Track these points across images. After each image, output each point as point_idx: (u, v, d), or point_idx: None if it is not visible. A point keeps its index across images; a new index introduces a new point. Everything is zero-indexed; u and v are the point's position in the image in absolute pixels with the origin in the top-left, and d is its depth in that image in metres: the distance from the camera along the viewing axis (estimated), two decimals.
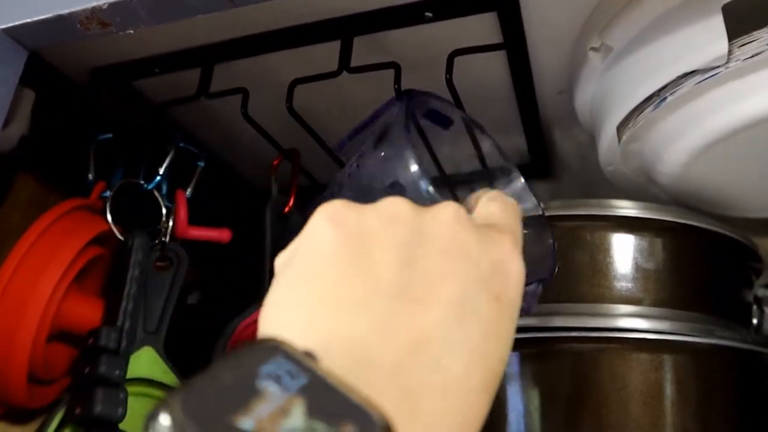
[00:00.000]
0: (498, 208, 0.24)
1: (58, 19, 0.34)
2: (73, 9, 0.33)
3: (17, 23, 0.34)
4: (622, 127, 0.40)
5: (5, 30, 0.34)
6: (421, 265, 0.18)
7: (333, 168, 0.58)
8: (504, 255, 0.21)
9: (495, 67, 0.47)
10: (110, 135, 0.49)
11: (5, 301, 0.39)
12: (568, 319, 0.40)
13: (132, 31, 0.35)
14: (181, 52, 0.49)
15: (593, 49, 0.41)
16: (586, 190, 0.63)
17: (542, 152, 0.57)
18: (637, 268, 0.40)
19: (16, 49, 0.35)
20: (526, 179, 0.62)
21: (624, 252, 0.40)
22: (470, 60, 0.43)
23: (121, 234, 0.44)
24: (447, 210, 0.21)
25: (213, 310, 0.55)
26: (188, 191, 0.49)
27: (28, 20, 0.34)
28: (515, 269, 0.21)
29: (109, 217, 0.44)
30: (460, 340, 0.17)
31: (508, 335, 0.20)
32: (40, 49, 0.48)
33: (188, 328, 0.48)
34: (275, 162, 0.51)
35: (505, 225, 0.23)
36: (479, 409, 0.18)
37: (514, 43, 0.42)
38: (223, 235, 0.48)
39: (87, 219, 0.44)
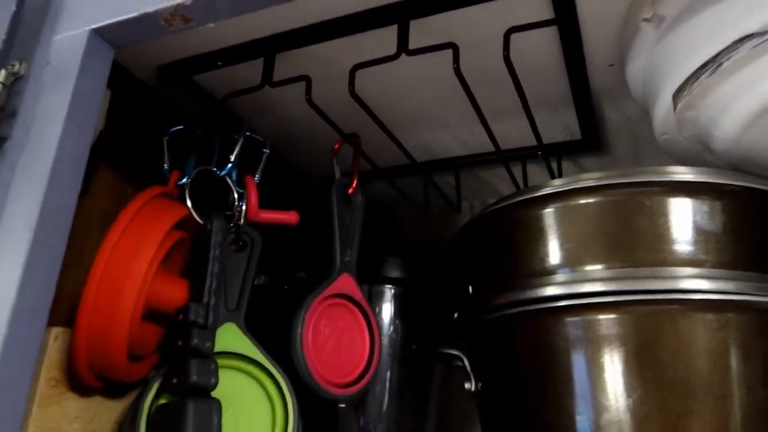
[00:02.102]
0: None
1: (144, 18, 0.37)
2: (158, 7, 0.36)
3: (106, 23, 0.37)
4: (677, 94, 0.41)
5: (95, 30, 0.37)
6: None
7: (392, 151, 0.60)
8: None
9: (546, 44, 0.48)
10: (181, 127, 0.52)
11: (104, 284, 0.42)
12: (632, 283, 0.41)
13: (212, 25, 0.37)
14: (242, 44, 0.51)
15: (645, 20, 0.42)
16: (636, 162, 0.63)
17: (593, 126, 0.58)
18: (698, 231, 0.41)
19: (105, 47, 0.38)
20: (576, 154, 0.64)
21: (684, 216, 0.41)
22: (522, 38, 0.44)
23: (200, 218, 0.47)
24: None
25: (282, 289, 0.58)
26: (256, 177, 0.52)
27: (116, 19, 0.37)
28: None
29: (188, 203, 0.47)
30: None
31: None
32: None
33: (260, 306, 0.51)
34: (336, 146, 0.54)
35: None
36: None
37: (565, 18, 0.44)
38: (291, 217, 0.51)
39: (168, 205, 0.48)
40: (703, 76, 0.38)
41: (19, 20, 0.38)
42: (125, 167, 0.55)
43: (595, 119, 0.57)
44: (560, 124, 0.60)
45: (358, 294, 0.50)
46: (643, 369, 0.40)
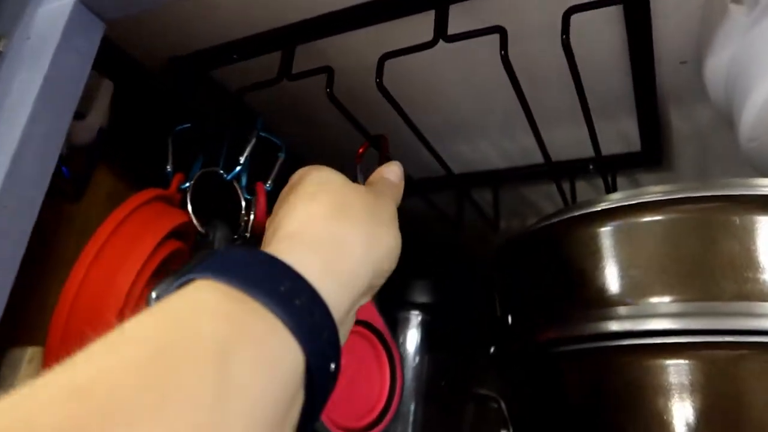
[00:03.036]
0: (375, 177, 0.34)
1: None
2: None
3: None
4: None
5: (82, 1, 0.32)
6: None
7: (423, 160, 0.54)
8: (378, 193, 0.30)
9: (607, 33, 0.42)
10: (188, 125, 0.47)
11: (81, 301, 0.37)
12: (711, 321, 0.34)
13: None
14: (260, 35, 0.46)
15: (735, 2, 0.35)
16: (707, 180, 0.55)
17: (656, 136, 0.50)
18: None
19: (93, 21, 0.33)
20: (634, 169, 0.56)
21: None
22: (578, 25, 0.37)
23: (201, 226, 0.41)
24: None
25: None
26: (268, 184, 0.46)
27: None
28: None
29: (189, 209, 0.41)
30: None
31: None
32: (119, 38, 0.47)
33: None
34: (361, 149, 0.47)
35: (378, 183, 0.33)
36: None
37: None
38: None
39: (165, 211, 0.42)
40: None
41: None
42: (128, 169, 0.49)
43: (658, 128, 0.50)
44: (616, 133, 0.53)
45: (378, 321, 0.42)
46: (727, 428, 0.32)
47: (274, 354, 0.19)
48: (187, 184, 0.43)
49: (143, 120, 0.50)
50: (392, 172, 0.34)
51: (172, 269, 0.42)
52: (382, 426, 0.36)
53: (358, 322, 0.40)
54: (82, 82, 0.32)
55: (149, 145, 0.48)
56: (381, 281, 0.28)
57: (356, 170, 0.40)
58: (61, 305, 0.36)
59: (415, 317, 0.55)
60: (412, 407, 0.53)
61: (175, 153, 0.46)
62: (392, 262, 0.28)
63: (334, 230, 0.26)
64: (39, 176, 0.29)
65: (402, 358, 0.54)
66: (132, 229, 0.39)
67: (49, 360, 0.36)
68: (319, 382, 0.21)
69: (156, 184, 0.46)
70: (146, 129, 0.50)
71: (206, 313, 0.19)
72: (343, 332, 0.26)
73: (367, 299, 0.28)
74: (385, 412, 0.38)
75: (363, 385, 0.38)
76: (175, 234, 0.42)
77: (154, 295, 0.20)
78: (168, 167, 0.45)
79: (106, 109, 0.47)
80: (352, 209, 0.27)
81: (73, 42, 0.31)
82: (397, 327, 0.54)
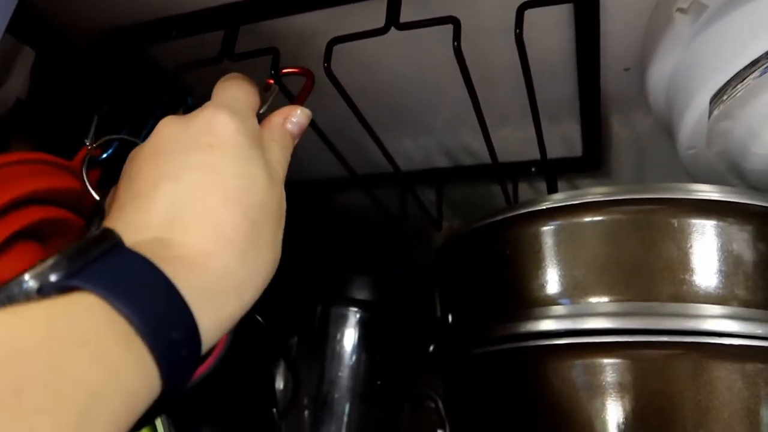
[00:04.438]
0: (217, 86, 0.30)
1: None
2: None
3: None
4: (715, 99, 0.34)
5: None
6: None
7: (367, 156, 0.52)
8: (207, 115, 0.26)
9: (556, 35, 0.42)
10: (115, 101, 0.44)
11: None
12: (647, 320, 0.34)
13: None
14: (201, 12, 0.44)
15: (680, 10, 0.36)
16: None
17: (596, 142, 0.51)
18: (731, 261, 0.34)
19: None
20: (574, 173, 0.57)
21: (714, 242, 0.35)
22: (532, 29, 0.37)
23: (98, 194, 0.37)
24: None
25: None
26: None
27: None
28: (219, 120, 0.25)
29: (84, 173, 0.37)
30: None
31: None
32: (47, 7, 0.43)
33: None
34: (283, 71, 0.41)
35: (215, 97, 0.29)
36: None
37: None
38: None
39: (40, 172, 0.36)
40: (751, 77, 0.32)
41: None
42: (46, 144, 0.46)
43: (599, 133, 0.50)
44: (558, 137, 0.54)
45: None
46: (660, 430, 0.33)
47: (139, 399, 0.18)
48: (87, 145, 0.40)
49: (68, 93, 0.46)
50: (295, 124, 0.29)
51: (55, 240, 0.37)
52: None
53: None
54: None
55: (73, 120, 0.45)
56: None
57: (266, 93, 0.34)
58: None
59: (354, 314, 0.53)
60: (347, 407, 0.52)
61: (99, 128, 0.43)
62: (266, 282, 0.24)
63: (237, 266, 0.22)
64: None
65: (337, 357, 0.52)
66: None
67: None
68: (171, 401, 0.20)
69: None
70: (70, 103, 0.46)
71: (83, 350, 0.16)
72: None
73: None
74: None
75: None
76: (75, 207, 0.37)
77: (30, 282, 0.17)
78: (86, 141, 0.42)
79: (25, 79, 0.43)
80: (261, 234, 0.23)
81: None
82: (333, 324, 0.53)
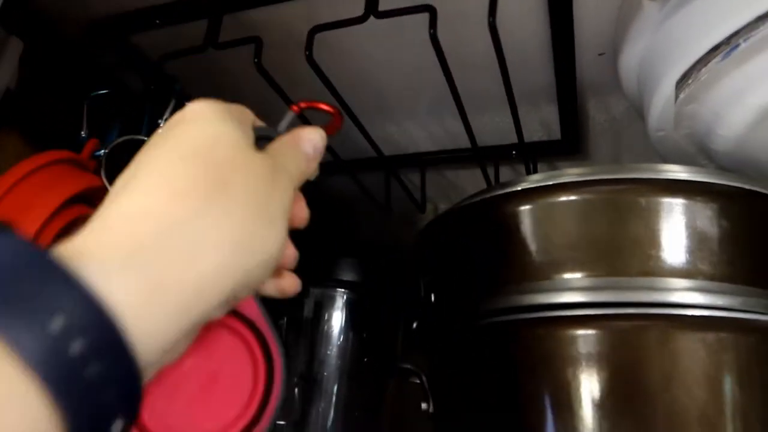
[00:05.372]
0: None
1: None
2: None
3: None
4: (681, 83, 0.36)
5: None
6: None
7: (352, 141, 0.54)
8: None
9: (533, 23, 0.43)
10: (106, 91, 0.45)
11: None
12: (617, 294, 0.36)
13: None
14: (185, 1, 0.45)
15: None
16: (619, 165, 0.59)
17: (574, 125, 0.53)
18: (695, 237, 0.36)
19: None
20: (553, 156, 0.59)
21: (680, 220, 0.36)
22: (506, 15, 0.38)
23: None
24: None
25: None
26: None
27: None
28: (192, 105, 0.23)
29: (103, 174, 0.39)
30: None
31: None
32: None
33: None
34: (303, 105, 0.43)
35: None
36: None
37: None
38: None
39: (71, 173, 0.39)
40: (714, 61, 0.34)
41: None
42: (36, 134, 0.46)
43: (577, 117, 0.52)
44: (538, 122, 0.55)
45: (260, 319, 0.28)
46: (629, 396, 0.35)
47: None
48: (102, 151, 0.41)
49: (57, 83, 0.47)
50: (311, 142, 0.26)
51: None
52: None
53: (234, 314, 0.29)
54: None
55: (63, 110, 0.46)
56: (247, 293, 0.22)
57: (284, 116, 0.30)
58: None
59: (341, 295, 0.55)
60: (336, 384, 0.54)
61: (90, 118, 0.44)
62: (268, 272, 0.22)
63: (190, 220, 0.19)
64: None
65: (326, 336, 0.54)
66: (31, 190, 0.37)
67: None
68: None
69: (69, 149, 0.44)
70: (60, 93, 0.47)
71: None
72: (168, 358, 0.20)
73: (219, 314, 0.21)
74: (256, 420, 0.26)
75: (229, 389, 0.27)
76: (87, 200, 0.40)
77: None
78: (82, 132, 0.43)
79: (14, 70, 0.44)
80: (230, 191, 0.20)
81: None
82: (322, 305, 0.54)
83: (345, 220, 0.69)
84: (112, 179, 0.41)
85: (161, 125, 0.42)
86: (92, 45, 0.48)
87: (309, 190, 0.58)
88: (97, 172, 0.41)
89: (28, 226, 0.35)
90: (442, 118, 0.57)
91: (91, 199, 0.39)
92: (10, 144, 0.44)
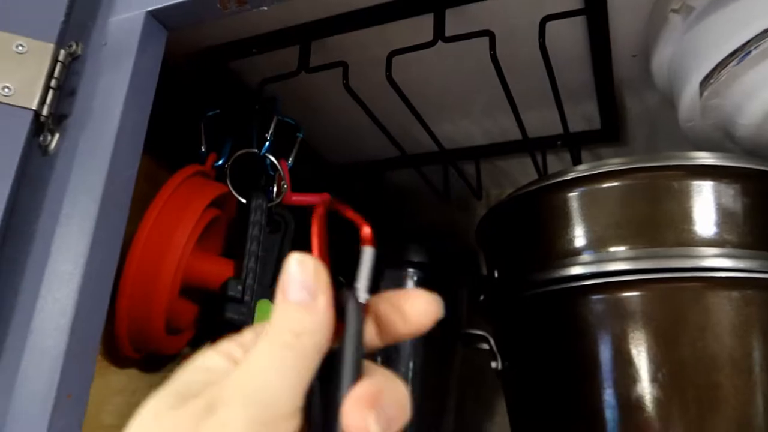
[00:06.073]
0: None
1: (200, 1, 0.38)
2: None
3: (162, 5, 0.38)
4: (704, 82, 0.43)
5: (151, 12, 0.39)
6: None
7: (414, 139, 0.62)
8: None
9: (573, 34, 0.50)
10: (218, 111, 0.54)
11: (144, 257, 0.44)
12: (657, 261, 0.43)
13: (266, 8, 0.39)
14: (278, 31, 0.53)
15: (674, 10, 0.44)
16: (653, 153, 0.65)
17: (613, 117, 0.60)
18: (721, 213, 0.43)
19: (159, 29, 0.40)
20: (595, 144, 0.66)
21: (708, 199, 0.43)
22: (551, 28, 0.46)
23: (241, 197, 0.49)
24: None
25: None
26: (290, 160, 0.53)
27: (172, 2, 0.38)
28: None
29: (228, 182, 0.49)
30: None
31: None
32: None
33: None
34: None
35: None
36: None
37: (595, 8, 0.45)
38: (323, 199, 0.52)
39: (205, 183, 0.49)
40: (731, 65, 0.40)
41: (74, 2, 0.39)
42: (158, 151, 0.56)
43: (615, 109, 0.59)
44: (580, 115, 0.62)
45: None
46: (669, 345, 0.42)
47: None
48: (221, 161, 0.51)
49: (170, 108, 0.56)
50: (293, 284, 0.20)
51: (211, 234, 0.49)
52: None
53: None
54: (155, 80, 0.39)
55: (178, 130, 0.55)
56: None
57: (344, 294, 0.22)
58: (129, 262, 0.43)
59: (412, 275, 0.63)
60: (412, 353, 0.62)
61: (206, 135, 0.53)
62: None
63: None
64: (134, 159, 0.36)
65: None
66: (181, 198, 0.46)
67: (120, 308, 0.43)
68: None
69: (187, 163, 0.53)
70: (174, 115, 0.56)
71: None
72: None
73: None
74: None
75: None
76: (214, 202, 0.49)
77: None
78: (202, 148, 0.52)
79: None
80: None
81: (146, 47, 0.38)
82: (397, 283, 0.63)
83: (409, 209, 0.77)
84: (234, 185, 0.50)
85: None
86: (195, 72, 0.57)
87: (377, 186, 0.67)
88: (220, 180, 0.50)
89: (185, 226, 0.44)
90: (493, 116, 0.64)
91: (220, 203, 0.49)
92: (143, 163, 0.54)
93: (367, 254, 0.22)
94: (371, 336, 0.22)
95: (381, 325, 0.22)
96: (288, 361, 0.19)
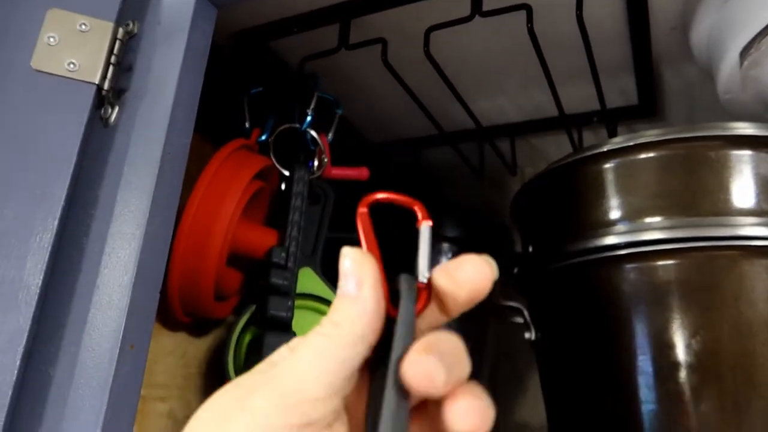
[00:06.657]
0: None
1: None
2: None
3: None
4: (744, 52, 0.43)
5: None
6: None
7: (450, 116, 0.63)
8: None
9: (611, 9, 0.50)
10: (261, 89, 0.56)
11: (195, 226, 0.46)
12: (693, 231, 0.44)
13: None
14: (318, 10, 0.54)
15: None
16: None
17: (650, 91, 0.60)
18: (758, 182, 0.43)
19: (209, 8, 0.42)
20: (632, 119, 0.66)
21: (745, 168, 0.43)
22: (589, 4, 0.46)
23: (284, 170, 0.51)
24: None
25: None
26: (330, 135, 0.55)
27: None
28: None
29: (272, 155, 0.51)
30: None
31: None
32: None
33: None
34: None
35: None
36: None
37: None
38: (362, 173, 0.54)
39: (249, 156, 0.51)
40: None
41: None
42: (203, 127, 0.58)
43: (653, 84, 0.59)
44: (617, 90, 0.62)
45: None
46: (703, 312, 0.43)
47: None
48: (265, 136, 0.53)
49: (214, 86, 0.59)
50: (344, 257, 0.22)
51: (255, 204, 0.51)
52: None
53: None
54: (206, 56, 0.41)
55: (223, 107, 0.57)
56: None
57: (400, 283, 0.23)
58: (181, 230, 0.45)
59: (447, 249, 0.65)
60: (445, 327, 0.64)
61: (250, 112, 0.55)
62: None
63: None
64: (188, 130, 0.38)
65: None
66: (228, 170, 0.48)
67: (172, 274, 0.46)
68: None
69: (231, 137, 0.55)
70: (218, 93, 0.58)
71: None
72: None
73: None
74: None
75: None
76: (258, 174, 0.51)
77: None
78: (246, 124, 0.54)
79: None
80: None
81: (198, 25, 0.40)
82: (433, 256, 0.64)
83: (443, 186, 0.78)
84: (277, 159, 0.52)
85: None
86: (238, 51, 0.59)
87: (413, 164, 0.68)
88: (264, 153, 0.52)
89: (233, 195, 0.47)
90: (529, 92, 0.65)
91: (264, 175, 0.51)
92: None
93: (425, 232, 0.23)
94: (434, 312, 0.23)
95: (443, 299, 0.23)
96: (321, 348, 0.21)
